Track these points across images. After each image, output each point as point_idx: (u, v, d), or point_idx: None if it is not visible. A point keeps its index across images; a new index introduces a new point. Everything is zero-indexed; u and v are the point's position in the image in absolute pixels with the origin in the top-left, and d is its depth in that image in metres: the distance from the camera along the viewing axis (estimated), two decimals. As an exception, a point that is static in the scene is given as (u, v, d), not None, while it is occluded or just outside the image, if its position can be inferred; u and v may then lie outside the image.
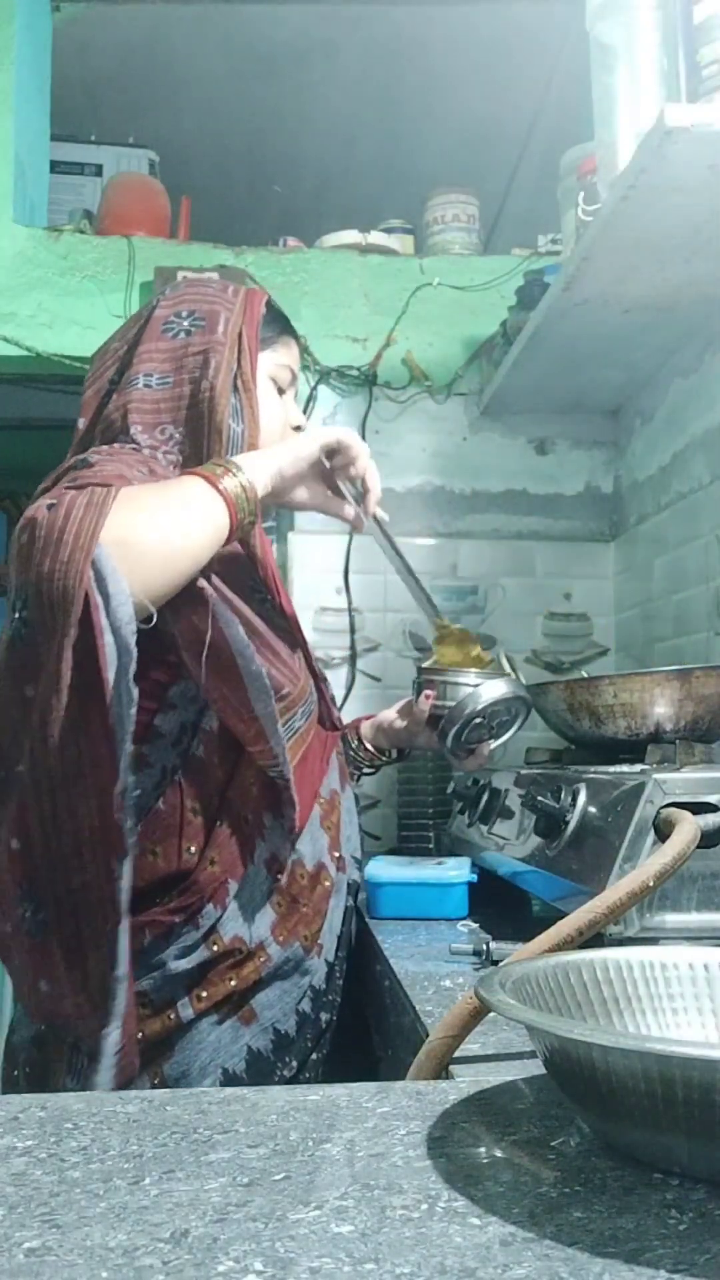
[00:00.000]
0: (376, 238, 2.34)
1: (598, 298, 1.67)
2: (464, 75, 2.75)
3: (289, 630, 1.21)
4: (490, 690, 1.32)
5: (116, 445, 1.16)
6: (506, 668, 1.44)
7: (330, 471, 1.20)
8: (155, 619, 0.96)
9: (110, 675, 0.91)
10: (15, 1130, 0.56)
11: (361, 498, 1.22)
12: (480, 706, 1.32)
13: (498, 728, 1.38)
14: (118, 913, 0.94)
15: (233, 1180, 0.49)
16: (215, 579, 1.06)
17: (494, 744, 1.41)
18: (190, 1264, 0.41)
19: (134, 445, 1.16)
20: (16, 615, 0.96)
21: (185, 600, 1.03)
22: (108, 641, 0.91)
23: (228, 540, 1.05)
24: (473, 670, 1.38)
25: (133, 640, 0.92)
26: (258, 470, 1.09)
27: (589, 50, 1.40)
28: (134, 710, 0.92)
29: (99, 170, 2.59)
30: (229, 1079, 1.08)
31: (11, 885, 0.98)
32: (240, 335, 1.20)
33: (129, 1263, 0.41)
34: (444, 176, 2.51)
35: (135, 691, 0.92)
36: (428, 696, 1.38)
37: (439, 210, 2.40)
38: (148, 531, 0.97)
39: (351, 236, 2.32)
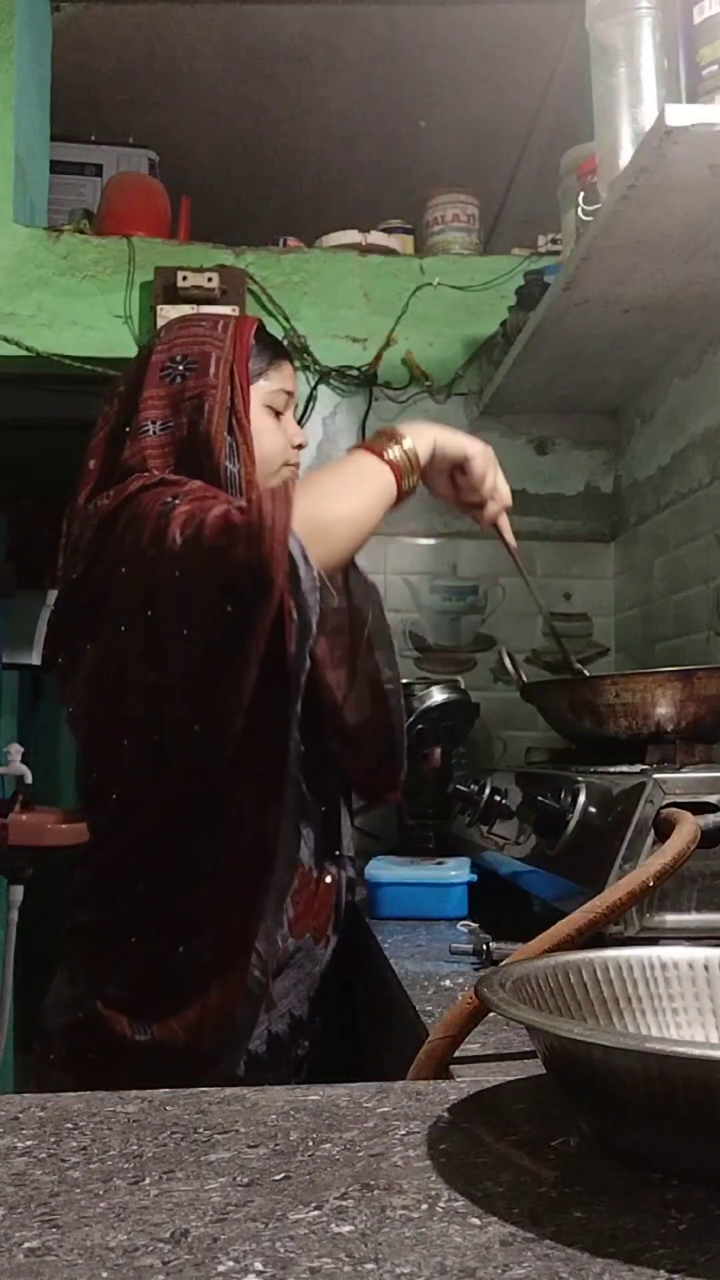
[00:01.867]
0: (376, 238, 2.34)
1: (598, 298, 1.67)
2: (464, 75, 2.75)
3: None
4: (431, 697, 1.35)
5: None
6: (508, 664, 1.45)
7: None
8: (336, 600, 1.13)
9: (293, 648, 1.05)
10: (15, 1130, 0.56)
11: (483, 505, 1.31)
12: (416, 714, 1.34)
13: (445, 733, 1.41)
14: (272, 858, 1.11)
15: (233, 1180, 0.49)
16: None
17: (439, 749, 1.45)
18: (190, 1264, 0.41)
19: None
20: (227, 609, 1.06)
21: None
22: (294, 620, 1.04)
23: (396, 504, 1.17)
24: (422, 680, 1.41)
25: (313, 622, 1.05)
26: (421, 438, 1.20)
27: (589, 50, 1.40)
28: (304, 677, 1.07)
29: (99, 170, 2.59)
30: (252, 1060, 1.15)
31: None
32: (232, 373, 1.26)
33: (129, 1263, 0.41)
34: (444, 176, 2.51)
35: (308, 663, 1.07)
36: None
37: (439, 210, 2.40)
38: (334, 507, 1.11)
39: (351, 236, 2.32)
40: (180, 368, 1.26)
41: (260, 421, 1.28)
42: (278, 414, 1.32)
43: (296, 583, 1.03)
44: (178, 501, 1.11)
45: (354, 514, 1.12)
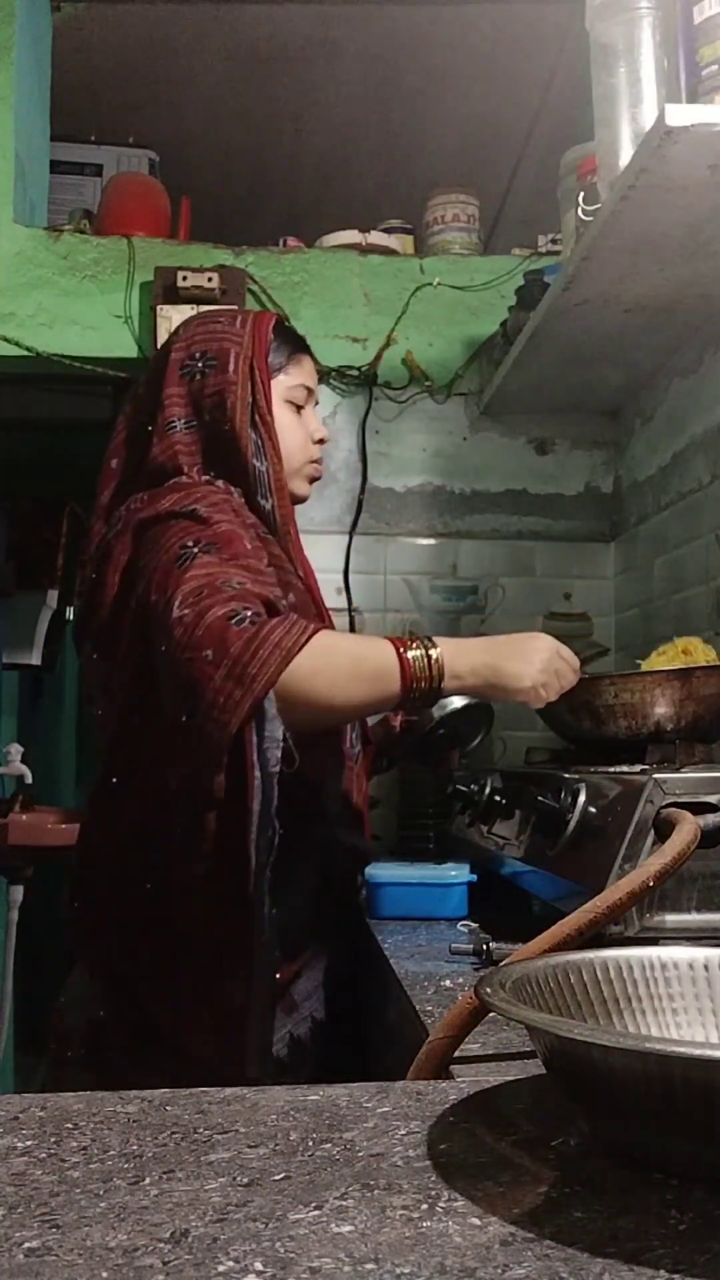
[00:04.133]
0: (376, 238, 2.34)
1: (598, 298, 1.67)
2: (464, 75, 2.75)
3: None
4: (451, 702, 1.36)
5: (203, 482, 1.21)
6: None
7: None
8: (297, 763, 1.03)
9: (255, 806, 1.00)
10: (15, 1130, 0.56)
11: None
12: (440, 718, 1.35)
13: (463, 736, 1.41)
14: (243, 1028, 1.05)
15: (233, 1180, 0.49)
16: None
17: (459, 751, 1.45)
18: (190, 1264, 0.41)
19: (207, 480, 1.22)
20: (183, 718, 1.02)
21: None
22: (256, 776, 1.00)
23: (393, 710, 1.15)
24: None
25: (275, 780, 1.00)
26: (449, 666, 1.10)
27: (589, 50, 1.40)
28: (276, 839, 1.02)
29: (99, 170, 2.59)
30: (276, 1064, 1.14)
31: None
32: (252, 369, 1.24)
33: (129, 1263, 0.41)
34: (444, 176, 2.51)
35: (278, 825, 1.01)
36: (396, 712, 1.44)
37: (439, 210, 2.40)
38: (318, 688, 1.03)
39: (351, 236, 2.32)
40: (199, 364, 1.24)
41: (282, 417, 1.27)
42: (299, 409, 1.30)
43: (261, 738, 1.00)
44: (196, 553, 1.08)
45: (339, 703, 1.07)
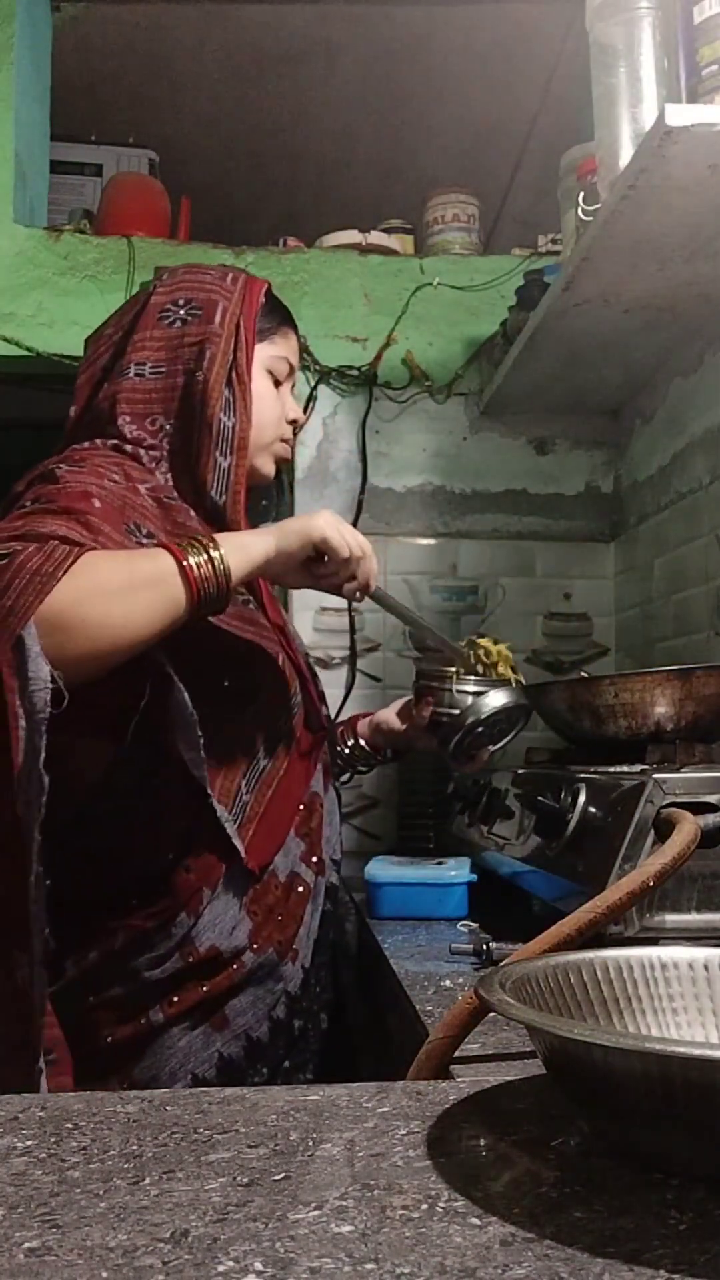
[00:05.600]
0: (376, 238, 2.34)
1: (598, 298, 1.67)
2: (464, 75, 2.75)
3: (273, 632, 1.19)
4: (493, 700, 1.34)
5: (98, 443, 1.15)
6: (511, 674, 1.45)
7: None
8: (66, 704, 0.89)
9: (19, 760, 0.86)
10: (15, 1130, 0.56)
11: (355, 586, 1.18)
12: (484, 716, 1.33)
13: (497, 734, 1.40)
14: (29, 1007, 0.89)
15: (233, 1180, 0.49)
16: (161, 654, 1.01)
17: (493, 749, 1.42)
18: (190, 1264, 0.41)
19: (114, 442, 1.15)
20: None
21: (124, 672, 0.97)
22: (20, 726, 0.86)
23: (185, 622, 1.00)
24: (471, 678, 1.39)
25: (43, 727, 0.87)
26: (237, 555, 1.03)
27: (589, 50, 1.40)
28: (44, 798, 0.87)
29: (99, 170, 2.58)
30: (199, 1084, 1.07)
31: None
32: (238, 326, 1.18)
33: (129, 1263, 0.41)
34: (444, 176, 2.51)
35: (46, 780, 0.87)
36: (428, 702, 1.38)
37: (439, 210, 2.40)
38: (90, 610, 0.91)
39: (351, 236, 2.32)
40: (181, 311, 1.18)
41: (259, 385, 1.21)
42: (277, 383, 1.26)
43: (24, 681, 0.86)
44: (26, 508, 0.99)
45: (116, 621, 0.93)
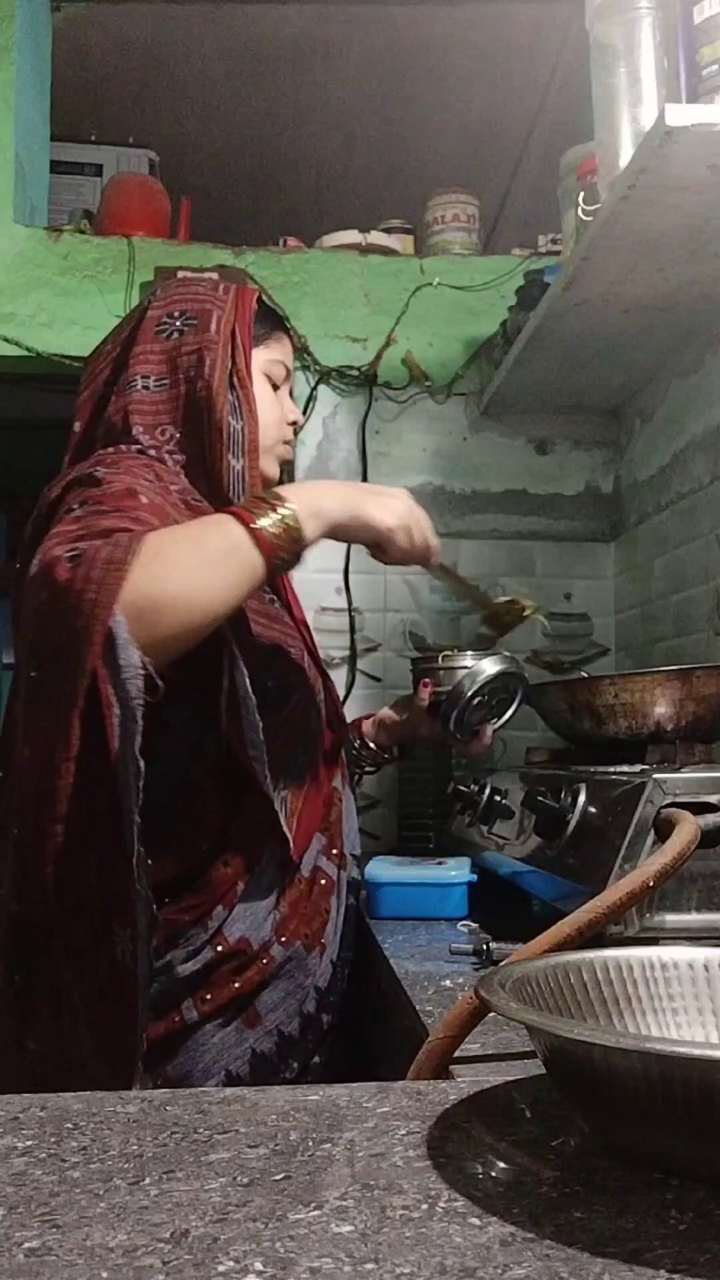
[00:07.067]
0: (376, 238, 2.34)
1: (598, 298, 1.67)
2: (464, 75, 2.75)
3: (297, 631, 1.23)
4: (486, 666, 1.34)
5: (121, 448, 1.16)
6: (541, 619, 1.45)
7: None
8: (162, 692, 0.91)
9: (116, 746, 0.89)
10: (15, 1130, 0.56)
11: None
12: (478, 684, 1.33)
13: (498, 705, 1.39)
14: (133, 986, 0.92)
15: (233, 1180, 0.49)
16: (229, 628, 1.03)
17: (497, 723, 1.41)
18: (190, 1264, 0.41)
19: (138, 447, 1.16)
20: (32, 674, 0.93)
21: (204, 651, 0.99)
22: (115, 714, 0.89)
23: (263, 583, 1.01)
24: (468, 652, 1.40)
25: (138, 714, 0.89)
26: (316, 505, 1.03)
27: (589, 50, 1.40)
28: (141, 782, 0.90)
29: (99, 170, 2.59)
30: (232, 1081, 1.08)
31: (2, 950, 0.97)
32: (233, 333, 1.20)
33: (129, 1263, 0.41)
34: (444, 176, 2.51)
35: (142, 764, 0.90)
36: (425, 685, 1.40)
37: (439, 210, 2.40)
38: (173, 588, 0.92)
39: (351, 236, 2.32)
40: (178, 323, 1.20)
41: (258, 389, 1.23)
42: (275, 387, 1.27)
43: (115, 670, 0.88)
44: (75, 511, 1.00)
45: (200, 594, 0.94)
